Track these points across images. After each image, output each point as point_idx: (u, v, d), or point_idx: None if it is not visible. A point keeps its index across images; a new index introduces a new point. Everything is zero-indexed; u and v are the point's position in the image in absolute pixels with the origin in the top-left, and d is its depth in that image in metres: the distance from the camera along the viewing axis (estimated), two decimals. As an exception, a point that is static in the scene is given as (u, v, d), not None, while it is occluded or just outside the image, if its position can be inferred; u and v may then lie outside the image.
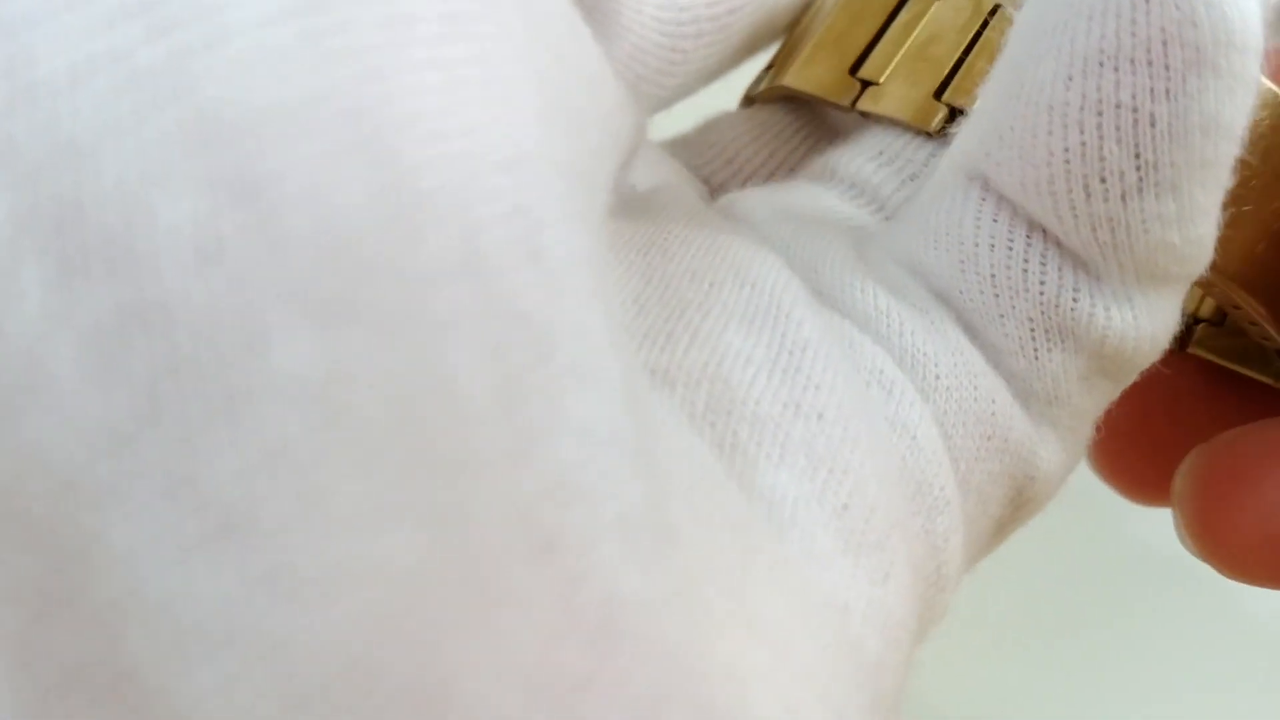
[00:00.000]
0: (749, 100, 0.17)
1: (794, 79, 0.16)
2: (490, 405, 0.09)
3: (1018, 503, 0.14)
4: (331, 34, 0.08)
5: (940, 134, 0.15)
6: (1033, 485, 0.14)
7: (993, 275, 0.13)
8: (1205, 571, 0.17)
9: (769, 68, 0.17)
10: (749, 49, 0.16)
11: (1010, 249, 0.13)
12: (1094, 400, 0.14)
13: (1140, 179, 0.12)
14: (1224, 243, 0.14)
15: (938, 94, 0.15)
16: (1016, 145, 0.13)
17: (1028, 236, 0.13)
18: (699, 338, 0.12)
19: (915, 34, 0.16)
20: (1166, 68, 0.12)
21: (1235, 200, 0.14)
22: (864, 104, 0.15)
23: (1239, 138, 0.13)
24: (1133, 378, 0.14)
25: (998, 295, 0.13)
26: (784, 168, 0.17)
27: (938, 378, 0.13)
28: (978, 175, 0.13)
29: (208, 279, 0.08)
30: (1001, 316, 0.13)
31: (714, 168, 0.17)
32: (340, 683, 0.08)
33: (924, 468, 0.13)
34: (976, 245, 0.13)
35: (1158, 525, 0.18)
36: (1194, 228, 0.13)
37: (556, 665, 0.09)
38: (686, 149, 0.17)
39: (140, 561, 0.08)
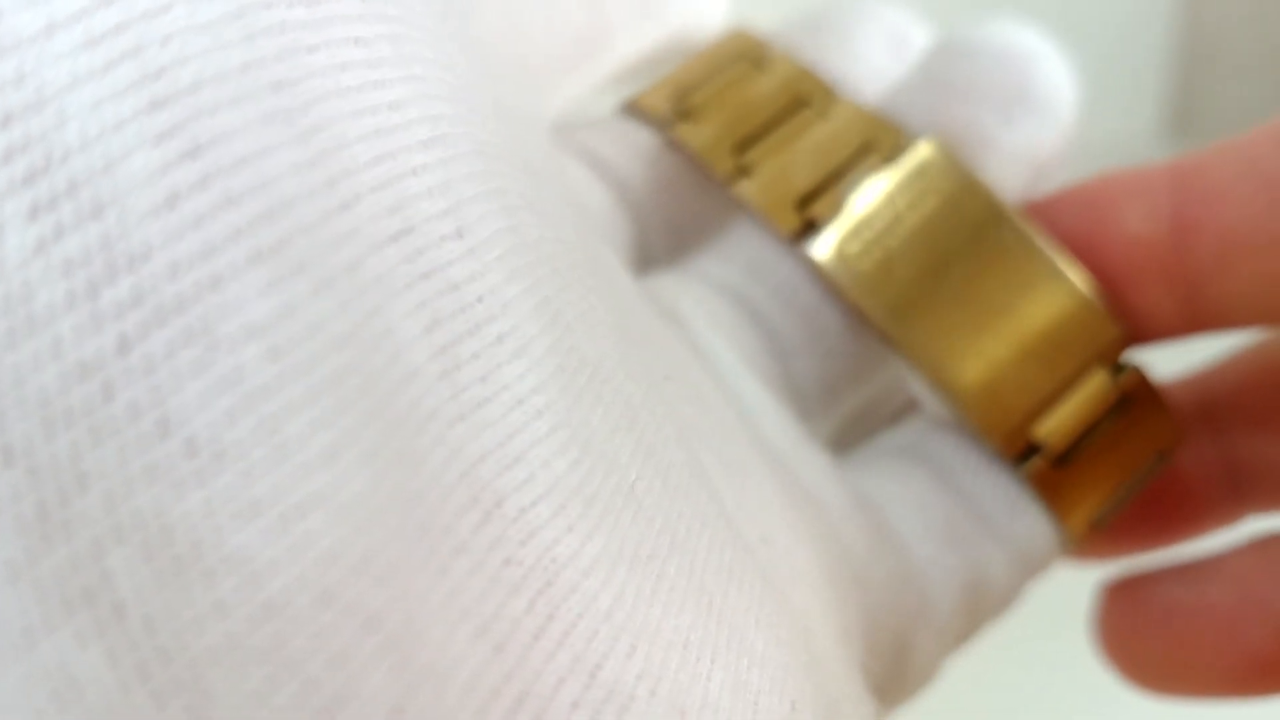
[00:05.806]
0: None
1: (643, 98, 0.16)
2: (430, 366, 0.09)
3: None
4: (256, 9, 0.09)
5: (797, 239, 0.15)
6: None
7: None
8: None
9: None
10: None
11: None
12: None
13: None
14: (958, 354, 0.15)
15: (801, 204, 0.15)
16: None
17: None
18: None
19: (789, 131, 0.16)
20: None
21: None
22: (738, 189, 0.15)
23: None
24: None
25: None
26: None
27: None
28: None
29: (167, 220, 0.08)
30: None
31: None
32: (301, 597, 0.08)
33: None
34: None
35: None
36: None
37: (511, 619, 0.09)
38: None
39: (113, 484, 0.08)
